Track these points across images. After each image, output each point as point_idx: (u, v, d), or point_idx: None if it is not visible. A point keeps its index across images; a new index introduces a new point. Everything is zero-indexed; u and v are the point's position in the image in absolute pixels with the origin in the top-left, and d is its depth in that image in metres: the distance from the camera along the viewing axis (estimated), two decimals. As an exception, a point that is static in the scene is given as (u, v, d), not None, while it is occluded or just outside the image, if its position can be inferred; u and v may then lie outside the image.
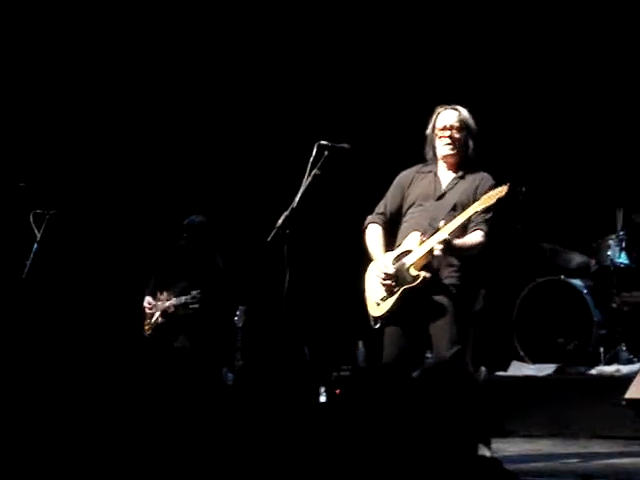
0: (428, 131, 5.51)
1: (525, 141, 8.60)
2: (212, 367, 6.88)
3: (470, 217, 5.25)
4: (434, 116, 5.49)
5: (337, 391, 2.95)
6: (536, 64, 8.86)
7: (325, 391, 2.74)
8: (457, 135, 5.41)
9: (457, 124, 5.42)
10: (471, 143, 5.44)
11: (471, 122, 5.48)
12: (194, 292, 7.26)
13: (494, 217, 5.37)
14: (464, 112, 5.48)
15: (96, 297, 8.61)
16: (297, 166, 5.82)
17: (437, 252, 5.14)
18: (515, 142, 8.42)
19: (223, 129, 9.29)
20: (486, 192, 5.26)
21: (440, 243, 5.11)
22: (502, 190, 5.20)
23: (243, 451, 2.81)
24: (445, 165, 5.47)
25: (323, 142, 5.70)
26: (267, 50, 9.33)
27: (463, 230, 5.27)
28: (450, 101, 5.59)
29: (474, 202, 5.25)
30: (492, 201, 5.19)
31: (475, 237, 5.29)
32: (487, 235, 5.32)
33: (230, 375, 7.40)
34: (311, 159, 5.69)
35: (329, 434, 2.76)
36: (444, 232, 5.15)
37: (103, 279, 8.75)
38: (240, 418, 2.93)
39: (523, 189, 7.77)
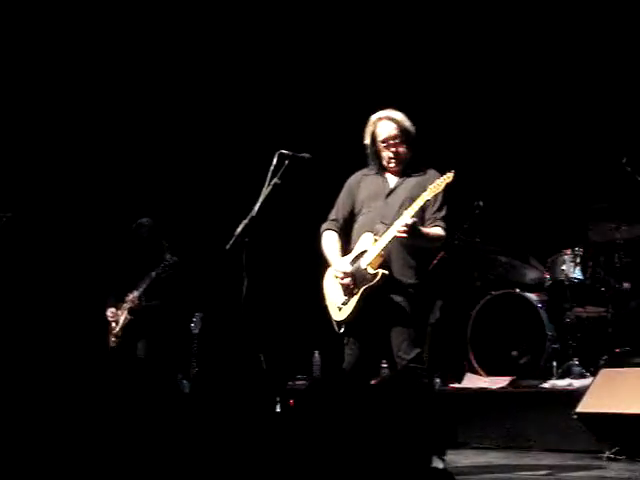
0: (367, 141, 5.47)
1: (483, 156, 8.66)
2: (168, 376, 6.86)
3: (424, 212, 5.27)
4: (371, 127, 5.45)
5: (291, 402, 2.92)
6: (492, 85, 8.96)
7: (279, 401, 2.72)
8: (401, 149, 5.39)
9: (399, 136, 5.38)
10: (411, 149, 5.42)
11: (408, 126, 5.42)
12: (152, 273, 7.40)
13: (449, 214, 5.39)
14: (400, 118, 5.43)
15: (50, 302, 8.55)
16: (257, 175, 5.80)
17: (401, 235, 5.10)
18: (473, 157, 8.47)
19: (184, 137, 9.27)
20: (436, 197, 5.25)
21: (404, 226, 5.07)
22: (449, 177, 5.16)
23: (198, 457, 2.79)
24: (394, 173, 5.47)
25: (284, 151, 5.69)
26: (228, 60, 9.34)
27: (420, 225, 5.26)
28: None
29: (427, 206, 5.24)
30: (441, 188, 5.16)
31: (436, 230, 5.31)
32: (445, 230, 5.35)
33: (185, 382, 7.38)
34: (271, 168, 5.68)
35: (283, 444, 2.74)
36: (405, 217, 5.11)
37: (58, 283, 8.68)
38: (195, 425, 2.91)
39: (480, 203, 7.83)
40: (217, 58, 9.39)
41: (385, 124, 5.40)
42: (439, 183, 5.16)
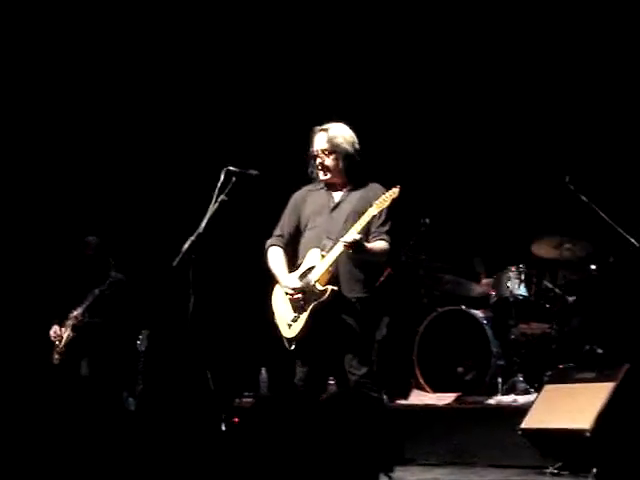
0: (310, 150, 5.51)
1: (429, 173, 8.71)
2: (112, 393, 6.81)
3: (369, 226, 5.27)
4: (311, 136, 5.50)
5: (235, 420, 2.90)
6: (439, 102, 9.02)
7: (225, 419, 2.69)
8: (327, 161, 5.41)
9: (327, 148, 5.40)
10: (344, 162, 5.41)
11: (341, 141, 5.42)
12: (96, 290, 7.39)
13: (392, 229, 5.39)
14: (334, 132, 5.44)
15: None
16: (204, 191, 5.78)
17: (346, 250, 5.12)
18: (419, 174, 8.51)
19: (130, 153, 9.21)
20: (379, 212, 5.27)
21: (349, 242, 5.09)
22: (394, 192, 5.21)
23: (142, 476, 2.75)
24: (327, 186, 5.50)
25: (231, 168, 5.69)
26: (175, 75, 9.31)
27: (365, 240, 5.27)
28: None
29: (369, 208, 5.25)
30: (387, 203, 5.20)
31: (381, 244, 5.33)
32: (389, 244, 5.36)
33: (131, 400, 7.32)
34: (219, 184, 5.67)
35: (228, 463, 2.72)
36: (351, 234, 5.13)
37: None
38: (140, 443, 2.88)
39: (427, 220, 7.86)
40: (164, 76, 9.35)
41: (319, 136, 5.46)
42: (385, 198, 5.19)
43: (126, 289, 7.61)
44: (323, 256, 5.26)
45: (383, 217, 5.34)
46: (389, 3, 9.07)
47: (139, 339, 7.67)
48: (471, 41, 8.92)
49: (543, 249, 7.87)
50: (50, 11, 9.05)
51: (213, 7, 9.26)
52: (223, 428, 2.85)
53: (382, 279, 7.57)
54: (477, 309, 7.86)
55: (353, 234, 5.11)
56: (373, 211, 5.17)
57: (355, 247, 5.12)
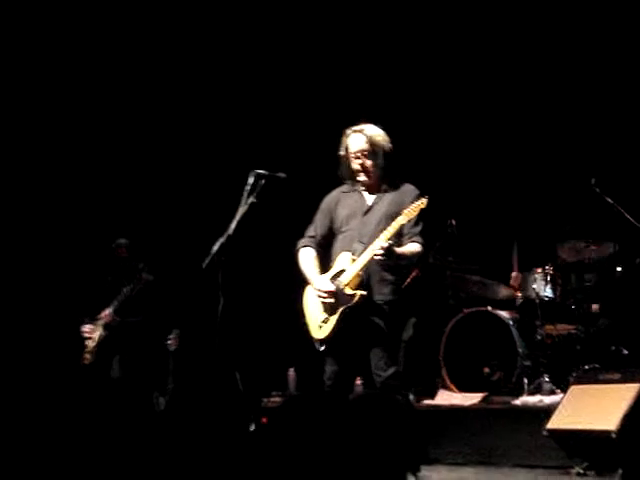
0: (342, 152, 5.52)
1: (456, 175, 8.70)
2: (143, 393, 6.84)
3: (399, 230, 5.27)
4: (345, 138, 5.51)
5: (264, 419, 2.92)
6: (467, 106, 9.00)
7: (253, 419, 2.71)
8: (368, 162, 5.43)
9: (366, 149, 5.42)
10: (382, 162, 5.45)
11: (380, 140, 5.47)
12: (124, 289, 7.44)
13: (424, 230, 5.42)
14: (371, 132, 5.47)
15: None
16: (233, 194, 5.80)
17: (378, 258, 5.14)
18: (446, 176, 8.50)
19: (161, 157, 9.24)
20: (411, 203, 5.28)
21: (381, 249, 5.11)
22: (423, 202, 5.23)
23: (172, 476, 2.77)
24: (364, 187, 5.51)
25: (259, 171, 5.71)
26: (203, 80, 9.32)
27: (395, 245, 5.27)
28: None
29: (400, 214, 5.26)
30: (415, 213, 5.23)
31: (413, 247, 5.34)
32: (423, 246, 5.39)
33: (162, 399, 7.36)
34: (247, 187, 5.69)
35: (257, 463, 2.73)
36: (382, 240, 5.16)
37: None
38: (170, 443, 2.89)
39: (453, 222, 7.86)
40: (191, 78, 9.36)
41: (356, 137, 5.47)
42: (414, 208, 5.21)
43: (156, 289, 7.66)
44: (354, 260, 5.29)
45: (415, 218, 5.35)
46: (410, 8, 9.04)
47: (169, 339, 7.72)
48: (498, 44, 8.90)
49: (569, 251, 7.86)
50: (59, 12, 9.00)
51: (242, 16, 9.27)
52: (252, 428, 2.87)
53: (409, 281, 7.57)
54: (503, 310, 7.84)
55: (382, 242, 5.13)
56: (402, 220, 5.19)
57: (386, 254, 5.14)
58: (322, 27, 9.17)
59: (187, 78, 9.36)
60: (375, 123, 5.58)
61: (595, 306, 7.73)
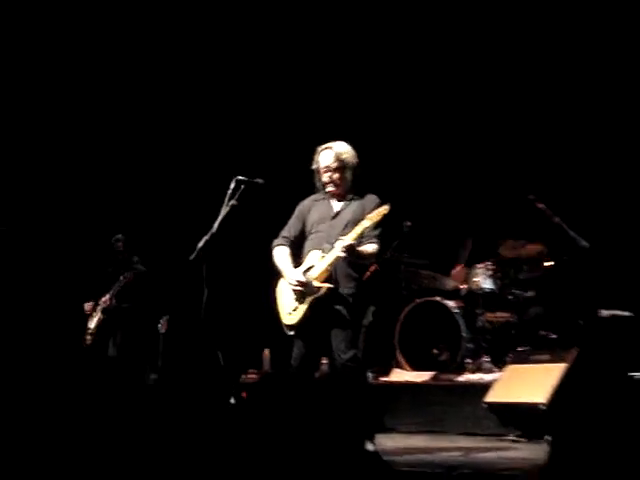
0: (314, 166, 5.53)
1: (412, 182, 8.70)
2: (136, 369, 6.85)
3: (363, 233, 5.28)
4: (316, 155, 5.51)
5: (244, 394, 2.95)
6: (419, 116, 8.99)
7: (234, 393, 2.73)
8: (335, 175, 5.44)
9: (334, 165, 5.44)
10: (349, 175, 5.46)
11: (347, 156, 5.46)
12: (121, 278, 7.49)
13: (382, 233, 5.44)
14: (340, 149, 5.47)
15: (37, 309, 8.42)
16: (217, 196, 5.82)
17: (342, 254, 5.17)
18: (403, 183, 8.51)
19: (158, 168, 9.18)
20: (372, 210, 5.31)
21: (345, 247, 5.16)
22: (385, 209, 5.26)
23: (161, 443, 2.79)
24: (333, 196, 5.53)
25: (240, 177, 5.73)
26: (193, 87, 9.22)
27: (358, 245, 5.30)
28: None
29: (363, 219, 5.29)
30: (378, 218, 5.26)
31: (371, 247, 5.37)
32: (380, 246, 5.43)
33: (152, 375, 7.35)
34: (229, 191, 5.71)
35: (237, 432, 2.76)
36: (346, 240, 5.19)
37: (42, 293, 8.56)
38: (159, 413, 2.91)
39: (408, 223, 7.88)
40: (182, 84, 9.24)
41: (325, 153, 5.48)
42: (377, 213, 5.24)
43: (148, 280, 7.66)
44: (323, 257, 5.32)
45: (378, 229, 5.41)
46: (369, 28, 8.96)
47: (160, 323, 7.72)
48: (439, 59, 8.87)
49: (508, 249, 7.90)
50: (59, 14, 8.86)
51: (226, 24, 9.13)
52: (232, 401, 2.89)
53: (369, 274, 7.60)
54: (450, 300, 7.86)
55: (348, 240, 5.17)
56: (366, 223, 5.22)
57: (350, 251, 5.19)
58: (297, 53, 9.12)
59: (181, 88, 9.25)
60: (343, 138, 5.60)
61: (531, 292, 7.79)
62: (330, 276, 5.30)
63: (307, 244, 5.51)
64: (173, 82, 9.28)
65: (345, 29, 9.00)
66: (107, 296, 7.57)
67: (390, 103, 9.06)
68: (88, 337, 7.56)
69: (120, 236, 7.80)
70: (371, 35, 9.01)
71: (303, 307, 5.31)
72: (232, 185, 5.72)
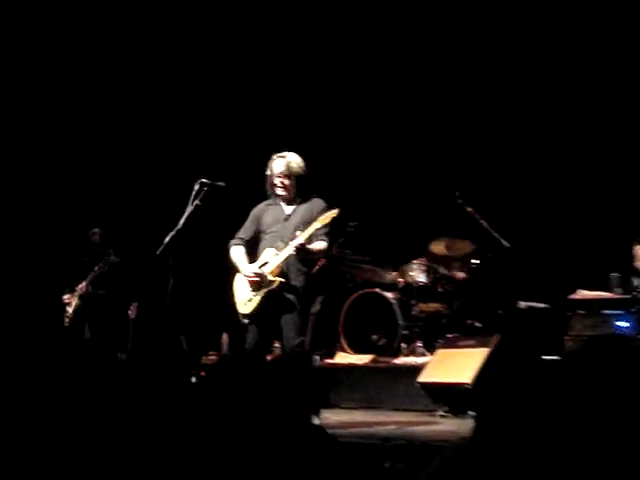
0: (268, 172, 5.49)
1: (353, 188, 8.64)
2: (108, 350, 6.76)
3: (313, 233, 5.28)
4: (270, 162, 5.47)
5: (202, 373, 2.92)
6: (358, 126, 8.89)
7: (194, 373, 2.72)
8: (286, 181, 5.42)
9: (285, 172, 5.41)
10: (297, 182, 5.43)
11: (295, 165, 5.43)
12: (96, 267, 7.43)
13: (330, 232, 5.44)
14: (290, 158, 5.44)
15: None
16: (183, 197, 5.76)
17: (294, 252, 5.17)
18: (346, 188, 8.45)
19: (132, 170, 9.05)
20: (321, 213, 5.32)
21: (297, 246, 5.16)
22: (335, 212, 5.28)
23: (129, 415, 2.75)
24: (284, 200, 5.50)
25: (204, 180, 5.69)
26: (167, 98, 9.04)
27: (309, 243, 5.30)
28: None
29: (313, 221, 5.27)
30: (328, 220, 5.27)
31: (320, 244, 5.36)
32: (328, 244, 5.42)
33: (122, 356, 7.27)
34: (193, 192, 5.66)
35: (197, 409, 2.72)
36: (299, 239, 5.19)
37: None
38: (129, 389, 2.87)
39: (352, 224, 7.89)
40: (158, 94, 9.04)
41: (278, 161, 5.45)
42: (328, 216, 5.26)
43: (121, 269, 7.58)
44: (277, 254, 5.30)
45: (326, 229, 5.39)
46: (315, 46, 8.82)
47: (130, 309, 7.64)
48: (376, 64, 8.71)
49: (438, 247, 7.96)
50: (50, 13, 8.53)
51: (194, 34, 8.90)
52: (193, 380, 2.86)
53: (318, 268, 7.59)
54: (388, 292, 7.89)
55: (300, 240, 5.17)
56: (317, 225, 5.22)
57: (302, 250, 5.18)
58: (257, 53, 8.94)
59: (157, 97, 9.05)
60: (294, 146, 5.57)
61: (461, 274, 7.84)
62: (282, 271, 5.28)
63: (262, 244, 5.48)
64: (150, 90, 9.08)
65: (294, 41, 8.82)
66: (83, 283, 7.48)
67: (331, 113, 8.95)
68: (67, 320, 7.48)
69: (97, 230, 7.71)
70: (312, 43, 8.82)
71: (257, 298, 5.30)
72: (196, 187, 5.69)
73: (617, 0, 7.93)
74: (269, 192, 5.55)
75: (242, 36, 8.92)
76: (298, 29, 8.78)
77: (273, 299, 5.27)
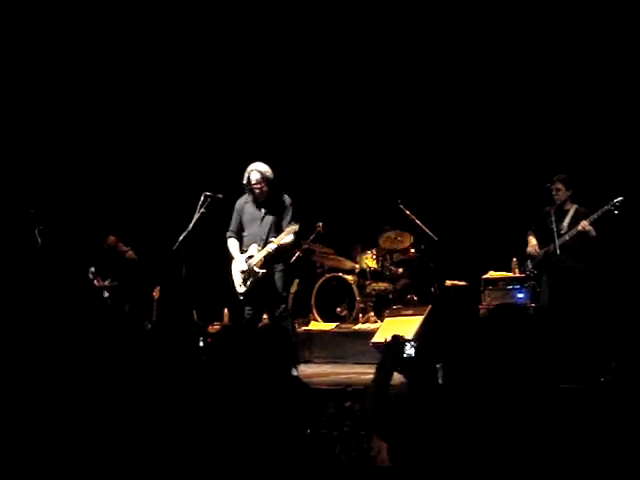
0: (245, 181, 5.46)
1: (320, 192, 8.45)
2: (140, 322, 6.73)
3: (281, 226, 5.31)
4: (246, 173, 5.44)
5: (209, 339, 2.94)
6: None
7: (202, 339, 2.74)
8: (263, 188, 5.41)
9: (260, 180, 5.39)
10: (268, 188, 5.40)
11: (268, 174, 5.40)
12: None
13: (300, 229, 5.41)
14: (263, 169, 5.40)
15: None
16: (192, 206, 5.74)
17: (273, 252, 5.22)
18: (313, 192, 8.22)
19: (152, 181, 8.74)
20: (286, 210, 5.33)
21: (273, 249, 5.23)
22: (296, 227, 5.29)
23: (155, 368, 2.76)
24: (260, 200, 5.47)
25: (207, 193, 5.70)
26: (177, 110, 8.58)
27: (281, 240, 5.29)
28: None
29: (282, 219, 5.31)
30: (291, 237, 5.26)
31: (288, 239, 5.30)
32: (295, 238, 5.38)
33: (149, 325, 7.23)
34: (200, 202, 5.67)
35: (205, 366, 2.74)
36: (274, 243, 5.24)
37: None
38: (154, 351, 2.88)
39: (320, 224, 7.88)
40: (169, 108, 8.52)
41: (254, 173, 5.42)
42: (289, 231, 5.24)
43: (138, 266, 7.41)
44: (259, 250, 5.34)
45: (289, 216, 5.37)
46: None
47: (153, 291, 7.59)
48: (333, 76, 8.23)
49: (385, 240, 7.98)
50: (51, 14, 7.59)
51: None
52: (201, 344, 2.89)
53: (295, 258, 7.63)
54: (348, 275, 7.90)
55: (275, 245, 5.22)
56: (283, 236, 5.22)
57: (277, 249, 5.24)
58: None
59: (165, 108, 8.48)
60: (275, 164, 5.55)
61: (400, 269, 7.87)
62: (265, 262, 5.30)
63: (245, 239, 5.49)
64: (173, 122, 8.56)
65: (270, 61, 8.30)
66: (107, 282, 7.37)
67: (307, 132, 8.50)
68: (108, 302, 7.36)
69: (112, 237, 7.44)
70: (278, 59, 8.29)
71: (248, 284, 5.35)
72: (202, 198, 5.70)
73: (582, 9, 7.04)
74: (247, 191, 5.50)
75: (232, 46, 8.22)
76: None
77: (260, 283, 5.31)
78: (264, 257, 5.28)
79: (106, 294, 7.38)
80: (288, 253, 5.78)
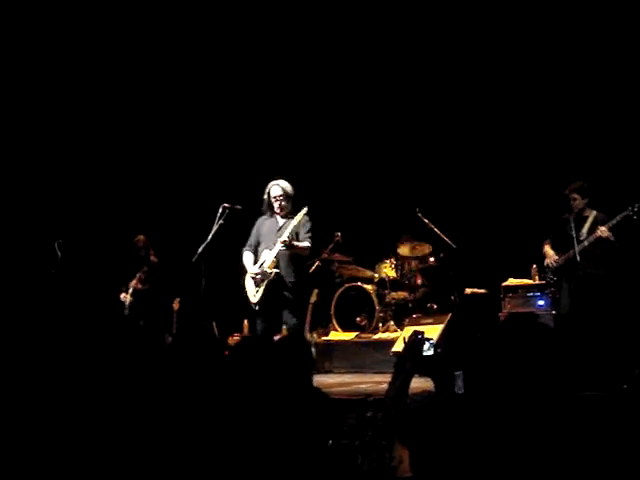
0: (265, 197, 5.56)
1: (338, 203, 8.40)
2: (158, 335, 6.77)
3: (298, 236, 5.39)
4: (267, 188, 5.54)
5: (225, 352, 2.97)
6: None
7: (223, 350, 2.78)
8: (283, 203, 5.50)
9: (281, 196, 5.49)
10: (289, 203, 5.52)
11: (289, 190, 5.50)
12: (140, 273, 7.33)
13: (313, 236, 5.50)
14: (283, 185, 5.52)
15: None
16: (211, 218, 5.78)
17: (282, 246, 5.28)
18: (332, 206, 8.22)
19: (175, 192, 8.76)
20: (305, 226, 5.45)
21: (283, 241, 5.29)
22: (304, 210, 5.39)
23: (177, 381, 2.78)
24: (279, 215, 5.57)
25: (226, 204, 5.74)
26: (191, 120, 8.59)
27: (295, 240, 5.38)
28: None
29: (299, 232, 5.42)
30: (301, 216, 5.37)
31: (304, 244, 5.43)
32: (311, 244, 5.48)
33: (170, 338, 7.26)
34: (218, 214, 5.72)
35: (225, 375, 2.76)
36: (283, 236, 5.33)
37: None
38: (174, 365, 2.90)
39: (339, 234, 7.88)
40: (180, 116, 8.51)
41: (275, 188, 5.53)
42: (300, 214, 5.38)
43: (160, 268, 7.50)
44: (270, 251, 5.41)
45: (307, 228, 5.47)
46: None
47: (173, 302, 7.63)
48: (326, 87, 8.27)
49: (403, 248, 7.97)
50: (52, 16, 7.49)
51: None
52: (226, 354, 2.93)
53: (314, 268, 7.64)
54: (367, 284, 7.89)
55: (284, 237, 5.32)
56: (294, 222, 5.34)
57: (288, 244, 5.28)
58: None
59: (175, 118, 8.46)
60: (294, 175, 5.63)
61: (419, 280, 7.85)
62: (277, 265, 5.37)
63: (260, 249, 5.58)
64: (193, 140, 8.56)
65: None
66: (134, 281, 7.42)
67: (321, 143, 8.45)
68: (126, 312, 7.42)
69: (142, 236, 7.56)
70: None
71: (261, 289, 5.41)
72: (220, 210, 5.73)
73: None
74: (265, 209, 5.59)
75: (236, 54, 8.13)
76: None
77: (273, 292, 5.32)
78: (275, 257, 5.37)
79: (128, 300, 7.35)
80: (304, 264, 5.78)
